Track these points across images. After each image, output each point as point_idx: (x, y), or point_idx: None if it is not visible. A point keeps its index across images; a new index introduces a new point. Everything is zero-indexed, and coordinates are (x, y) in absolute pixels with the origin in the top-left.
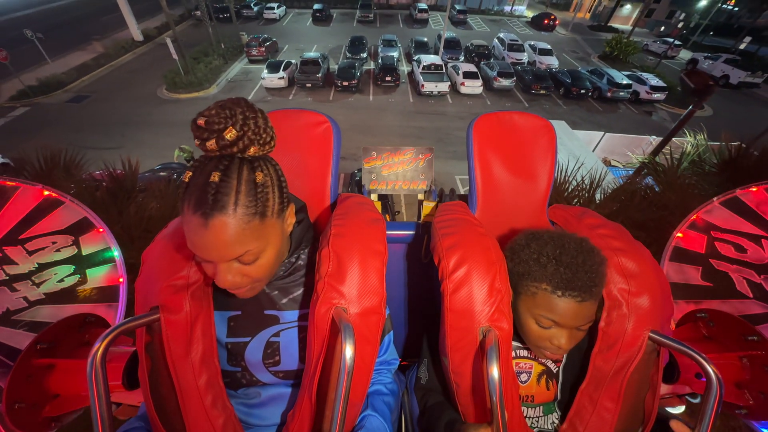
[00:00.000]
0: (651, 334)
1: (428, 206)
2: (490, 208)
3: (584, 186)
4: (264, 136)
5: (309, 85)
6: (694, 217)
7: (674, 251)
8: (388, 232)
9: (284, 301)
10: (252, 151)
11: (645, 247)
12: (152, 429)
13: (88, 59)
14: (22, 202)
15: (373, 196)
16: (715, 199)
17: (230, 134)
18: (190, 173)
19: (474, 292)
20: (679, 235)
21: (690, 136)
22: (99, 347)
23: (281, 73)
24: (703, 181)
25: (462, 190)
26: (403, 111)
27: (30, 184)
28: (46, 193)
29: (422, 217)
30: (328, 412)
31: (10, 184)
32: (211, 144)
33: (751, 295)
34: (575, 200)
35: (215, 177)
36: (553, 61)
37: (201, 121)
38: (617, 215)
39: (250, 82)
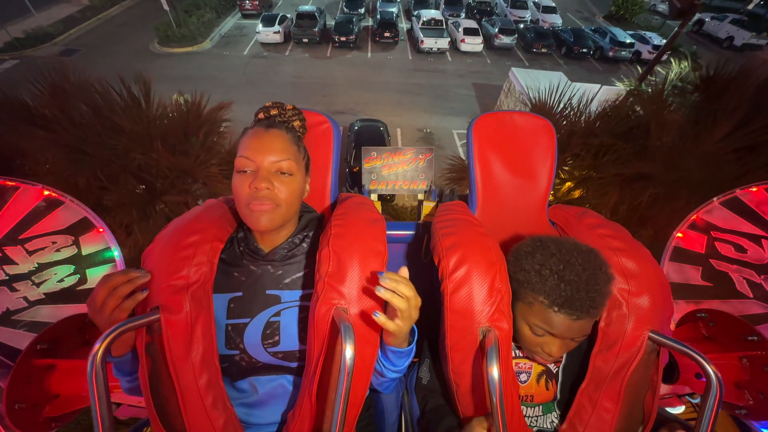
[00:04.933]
0: (651, 334)
1: (428, 206)
2: (490, 208)
3: (572, 107)
4: (303, 120)
5: (306, 40)
6: (694, 217)
7: (674, 251)
8: (388, 232)
9: (286, 280)
10: (296, 123)
11: (645, 247)
12: (152, 429)
13: (74, 11)
14: (22, 202)
15: (373, 196)
16: (715, 199)
17: (287, 107)
18: (259, 114)
19: (474, 292)
20: (679, 235)
21: (675, 63)
22: (99, 347)
23: (276, 27)
24: (683, 100)
25: (459, 145)
26: (402, 68)
27: (30, 184)
28: (46, 193)
29: (422, 217)
30: (328, 412)
31: (10, 184)
32: (273, 109)
33: (751, 295)
34: (563, 121)
35: (275, 111)
36: (556, 20)
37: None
38: (601, 128)
39: (245, 38)
